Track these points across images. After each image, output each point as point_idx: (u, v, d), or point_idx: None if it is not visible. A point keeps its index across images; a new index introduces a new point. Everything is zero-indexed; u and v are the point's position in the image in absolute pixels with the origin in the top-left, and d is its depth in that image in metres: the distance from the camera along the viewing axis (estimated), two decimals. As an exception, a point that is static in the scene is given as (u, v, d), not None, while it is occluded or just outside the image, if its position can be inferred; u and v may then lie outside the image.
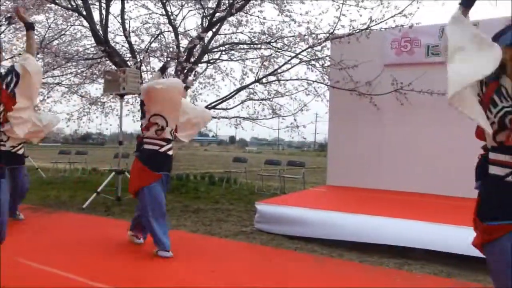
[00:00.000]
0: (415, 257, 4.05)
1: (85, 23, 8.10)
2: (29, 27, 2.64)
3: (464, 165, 6.30)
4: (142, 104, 4.02)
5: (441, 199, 6.14)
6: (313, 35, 7.34)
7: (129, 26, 8.17)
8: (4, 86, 2.36)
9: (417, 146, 6.77)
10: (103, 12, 7.80)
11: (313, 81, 7.97)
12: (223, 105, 8.43)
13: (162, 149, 3.91)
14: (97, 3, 7.85)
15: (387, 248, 4.16)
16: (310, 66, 7.76)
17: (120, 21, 7.98)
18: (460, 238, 3.94)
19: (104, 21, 7.76)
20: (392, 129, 7.02)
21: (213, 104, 8.30)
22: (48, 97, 9.78)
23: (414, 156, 6.76)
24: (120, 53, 8.26)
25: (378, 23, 6.83)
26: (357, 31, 6.88)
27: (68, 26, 8.89)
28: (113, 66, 7.54)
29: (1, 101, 2.33)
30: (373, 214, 4.55)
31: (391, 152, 6.98)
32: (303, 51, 7.56)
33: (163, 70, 4.53)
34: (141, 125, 4.03)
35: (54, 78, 9.75)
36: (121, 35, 8.34)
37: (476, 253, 3.84)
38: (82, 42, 9.37)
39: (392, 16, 6.69)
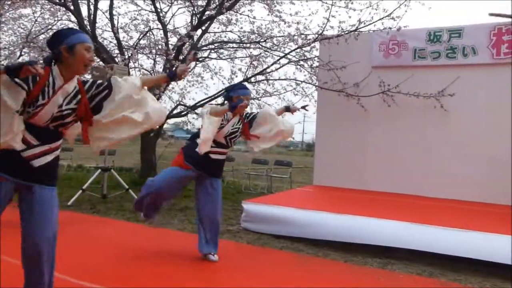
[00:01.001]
0: (398, 257, 4.11)
1: (73, 18, 8.00)
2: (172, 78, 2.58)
3: (449, 167, 6.48)
4: None
5: (426, 200, 6.24)
6: (302, 36, 7.38)
7: (118, 22, 8.11)
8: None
9: (403, 147, 6.87)
10: (91, 7, 7.72)
11: (302, 81, 8.02)
12: (212, 103, 8.42)
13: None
14: (85, -2, 7.77)
15: (372, 248, 4.22)
16: (298, 67, 7.79)
17: (108, 16, 7.91)
18: (442, 238, 4.04)
19: (92, 16, 7.68)
20: (379, 130, 7.10)
21: (201, 103, 8.29)
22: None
23: (400, 158, 6.86)
24: (108, 49, 8.18)
25: (367, 25, 6.91)
26: (346, 32, 6.93)
27: (55, 20, 8.77)
28: (101, 62, 7.46)
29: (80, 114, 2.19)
30: (358, 214, 4.60)
31: (377, 153, 7.07)
32: (292, 51, 7.59)
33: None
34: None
35: (40, 73, 9.59)
36: (109, 31, 8.27)
37: (457, 252, 3.95)
38: (70, 37, 9.23)
39: (380, 19, 6.77)
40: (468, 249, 3.88)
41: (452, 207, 5.83)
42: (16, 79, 1.94)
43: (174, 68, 2.38)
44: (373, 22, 6.83)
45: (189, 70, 2.17)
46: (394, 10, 6.66)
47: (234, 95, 3.65)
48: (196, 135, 3.68)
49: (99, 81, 2.29)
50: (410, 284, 3.49)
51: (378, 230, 4.27)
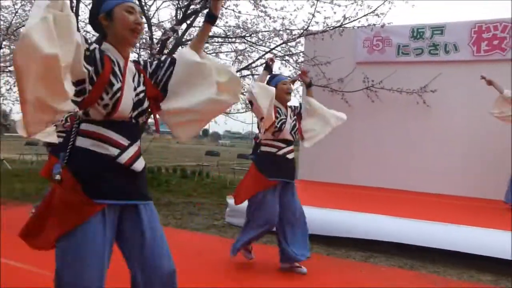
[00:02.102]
0: (380, 250, 4.19)
1: (55, 10, 7.85)
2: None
3: (431, 161, 6.60)
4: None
5: (409, 194, 6.35)
6: (288, 31, 7.40)
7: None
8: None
9: (386, 142, 6.97)
10: (74, 0, 7.59)
11: (287, 77, 8.02)
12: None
13: (280, 152, 3.35)
14: (68, -10, 7.63)
15: (355, 242, 4.29)
16: (284, 62, 7.82)
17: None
18: (424, 231, 4.12)
19: (74, 9, 7.55)
20: (363, 125, 7.18)
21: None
22: (15, 86, 9.45)
23: (384, 153, 6.96)
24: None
25: (351, 21, 6.96)
26: (331, 28, 6.98)
27: (37, 12, 8.59)
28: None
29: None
30: (342, 208, 4.66)
31: (361, 148, 7.16)
32: (277, 46, 7.60)
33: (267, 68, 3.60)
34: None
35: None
36: (92, 24, 8.14)
37: (437, 245, 4.04)
38: (51, 29, 9.08)
39: (365, 15, 6.84)
40: (448, 242, 3.97)
41: (434, 201, 5.95)
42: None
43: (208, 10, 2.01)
44: (358, 18, 6.90)
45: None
46: (378, 7, 6.76)
47: (278, 82, 3.40)
48: (257, 149, 3.41)
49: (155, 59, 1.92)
50: (392, 276, 3.57)
51: (361, 224, 4.34)
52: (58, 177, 1.59)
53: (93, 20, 1.73)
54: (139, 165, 1.72)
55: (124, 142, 1.67)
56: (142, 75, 1.78)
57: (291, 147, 3.38)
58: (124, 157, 1.66)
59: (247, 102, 8.63)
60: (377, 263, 3.90)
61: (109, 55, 1.66)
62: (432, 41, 6.76)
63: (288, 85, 3.43)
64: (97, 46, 1.63)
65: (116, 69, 1.66)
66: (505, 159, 5.63)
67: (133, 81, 1.72)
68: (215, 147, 27.74)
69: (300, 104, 3.70)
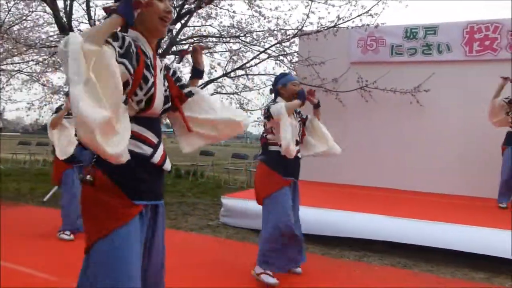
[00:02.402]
0: (374, 249, 4.21)
1: (48, 9, 7.81)
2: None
3: (424, 161, 6.64)
4: None
5: (402, 193, 6.39)
6: (282, 31, 7.41)
7: (95, 14, 7.95)
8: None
9: (380, 141, 7.00)
10: (68, -1, 7.55)
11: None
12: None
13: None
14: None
15: (349, 241, 4.31)
16: (278, 62, 7.83)
17: (85, 8, 7.75)
18: (417, 230, 4.15)
19: (68, 8, 7.51)
20: (356, 125, 7.21)
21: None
22: (7, 85, 9.39)
23: (377, 152, 6.98)
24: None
25: (345, 22, 6.98)
26: (325, 28, 7.00)
27: (30, 11, 8.54)
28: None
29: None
30: (336, 208, 4.68)
31: (355, 148, 7.16)
32: (271, 46, 7.62)
33: None
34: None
35: (14, 65, 9.37)
36: (86, 23, 8.10)
37: (430, 244, 4.06)
38: (45, 28, 9.02)
39: (359, 15, 6.86)
40: (441, 240, 4.00)
41: (427, 200, 5.98)
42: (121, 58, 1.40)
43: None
44: (352, 19, 6.92)
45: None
46: (372, 7, 6.78)
47: (281, 86, 3.35)
48: (266, 149, 3.33)
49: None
50: (385, 275, 3.59)
51: (355, 223, 4.36)
52: (89, 177, 1.50)
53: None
54: (168, 165, 1.68)
55: (155, 140, 1.60)
56: (164, 72, 1.72)
57: (297, 147, 3.33)
58: (157, 157, 1.59)
59: (240, 102, 8.65)
60: (370, 262, 3.92)
61: (141, 46, 1.56)
62: (425, 41, 6.79)
63: (298, 87, 3.35)
64: (128, 36, 1.50)
65: (148, 62, 1.56)
66: (498, 158, 5.67)
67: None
68: (210, 147, 27.65)
69: (307, 117, 3.63)
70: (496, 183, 5.50)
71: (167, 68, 1.77)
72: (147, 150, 1.57)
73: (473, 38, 6.52)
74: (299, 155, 3.35)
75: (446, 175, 6.46)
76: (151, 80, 1.54)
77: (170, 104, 1.68)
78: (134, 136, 1.52)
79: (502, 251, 3.74)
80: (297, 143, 3.35)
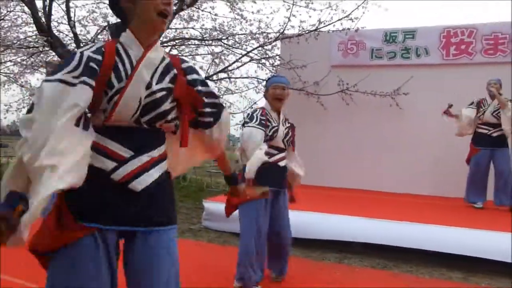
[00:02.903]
0: (354, 251, 4.27)
1: (27, 9, 7.66)
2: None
3: (403, 162, 6.76)
4: None
5: (382, 195, 6.49)
6: (264, 34, 7.45)
7: (75, 15, 7.84)
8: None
9: (360, 144, 7.10)
10: (47, -1, 7.42)
11: (263, 80, 8.08)
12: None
13: (272, 159, 3.13)
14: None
15: (329, 243, 4.36)
16: (260, 65, 7.86)
17: (64, 9, 7.63)
18: (396, 231, 4.22)
19: (47, 8, 7.38)
20: (337, 127, 7.29)
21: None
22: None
23: (358, 154, 7.08)
24: (65, 42, 7.90)
25: (326, 25, 7.08)
26: (306, 32, 7.07)
27: (7, 11, 8.35)
28: (56, 57, 7.21)
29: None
30: (316, 210, 4.72)
31: (336, 150, 7.25)
32: (254, 49, 7.65)
33: None
34: None
35: (-10, 66, 9.16)
36: (65, 24, 7.98)
37: (409, 244, 4.13)
38: (23, 29, 8.85)
39: (339, 19, 6.96)
40: (420, 241, 4.08)
41: (406, 201, 6.10)
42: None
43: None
44: (333, 23, 7.02)
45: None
46: (352, 11, 6.88)
47: (265, 90, 3.24)
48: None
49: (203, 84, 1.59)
50: (366, 276, 3.65)
51: (335, 225, 4.41)
52: None
53: (114, 3, 1.49)
54: (142, 182, 1.41)
55: (125, 153, 1.39)
56: (173, 71, 1.50)
57: (283, 154, 3.19)
58: (120, 173, 1.38)
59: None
60: (351, 264, 3.98)
61: (123, 47, 1.43)
62: (404, 45, 6.93)
63: (279, 91, 3.14)
64: (88, 49, 1.40)
65: (123, 65, 1.40)
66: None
67: (153, 75, 1.43)
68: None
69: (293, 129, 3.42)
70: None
71: (184, 70, 1.54)
72: (108, 164, 1.38)
73: (450, 42, 6.69)
74: (282, 163, 3.20)
75: (424, 177, 6.60)
76: (119, 86, 1.37)
77: (164, 109, 1.44)
78: (96, 147, 1.37)
79: (478, 250, 3.84)
80: (282, 150, 3.20)
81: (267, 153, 3.06)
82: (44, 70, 7.07)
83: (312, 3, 7.07)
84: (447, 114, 5.87)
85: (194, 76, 1.56)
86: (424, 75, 6.76)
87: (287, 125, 3.29)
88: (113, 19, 7.92)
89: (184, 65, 1.55)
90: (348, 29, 6.96)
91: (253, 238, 3.02)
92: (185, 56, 8.67)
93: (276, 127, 3.13)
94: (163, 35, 7.79)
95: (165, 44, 8.34)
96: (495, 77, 5.55)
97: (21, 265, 3.41)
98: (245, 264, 3.02)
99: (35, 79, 13.44)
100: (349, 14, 6.91)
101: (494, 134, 5.48)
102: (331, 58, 7.36)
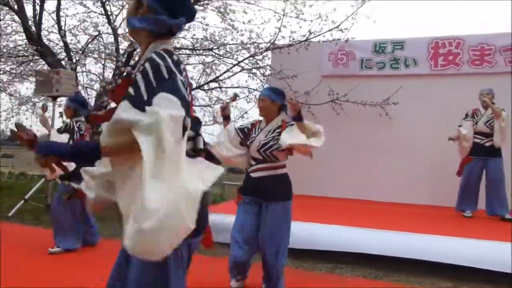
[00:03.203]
0: (346, 261, 4.26)
1: (17, 18, 7.62)
2: None
3: (393, 171, 6.80)
4: None
5: (373, 204, 6.51)
6: (255, 44, 7.50)
7: (65, 24, 7.81)
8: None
9: (351, 153, 7.13)
10: (37, 7, 7.39)
11: (254, 89, 8.12)
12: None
13: (249, 169, 3.26)
14: (31, -2, 7.42)
15: (321, 254, 4.35)
16: (251, 75, 7.89)
17: (55, 18, 7.61)
18: (386, 241, 4.24)
19: (37, 17, 7.36)
20: (328, 137, 7.16)
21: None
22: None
23: (349, 164, 7.11)
24: (55, 51, 7.86)
25: (317, 36, 7.13)
26: (297, 42, 7.13)
27: (-4, 20, 8.30)
28: (46, 66, 7.16)
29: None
30: (307, 221, 4.72)
31: (327, 160, 7.25)
32: (244, 59, 7.68)
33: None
34: None
35: (-21, 74, 9.05)
36: (56, 33, 7.95)
37: (398, 254, 4.15)
38: (13, 37, 8.78)
39: (329, 30, 7.03)
40: (410, 251, 4.10)
41: (397, 210, 6.13)
42: None
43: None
44: (323, 33, 7.08)
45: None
46: (342, 22, 6.96)
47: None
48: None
49: None
50: (357, 286, 3.65)
51: (327, 235, 4.41)
52: None
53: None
54: None
55: None
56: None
57: (259, 166, 3.17)
58: None
59: (214, 114, 8.64)
60: (342, 273, 3.98)
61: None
62: (393, 55, 7.03)
63: (259, 103, 3.28)
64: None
65: None
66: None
67: None
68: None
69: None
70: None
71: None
72: None
73: (438, 53, 6.80)
74: (255, 174, 3.18)
75: (414, 186, 6.65)
76: None
77: None
78: None
79: (468, 260, 3.87)
80: (258, 160, 3.17)
81: (249, 163, 3.23)
82: (34, 79, 7.00)
83: (303, 14, 7.16)
84: (453, 140, 5.88)
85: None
86: (413, 85, 6.85)
87: (273, 134, 3.16)
88: (104, 28, 7.92)
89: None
90: (338, 39, 7.03)
91: (234, 229, 3.26)
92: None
93: (253, 138, 3.18)
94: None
95: (156, 54, 8.33)
96: (483, 87, 5.63)
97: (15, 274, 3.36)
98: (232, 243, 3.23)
99: (25, 88, 13.32)
100: (339, 25, 6.99)
101: (487, 144, 5.52)
102: (322, 68, 7.43)
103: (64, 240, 4.15)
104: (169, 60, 1.46)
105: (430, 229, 4.58)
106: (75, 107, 4.32)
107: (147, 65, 1.45)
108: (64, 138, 4.08)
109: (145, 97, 1.38)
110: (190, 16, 1.64)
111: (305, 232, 4.46)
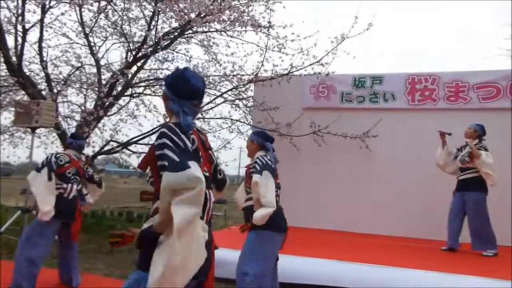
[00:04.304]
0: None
1: (-3, 49, 7.56)
2: None
3: (375, 203, 6.85)
4: None
5: (356, 236, 6.51)
6: (238, 76, 7.62)
7: (47, 55, 7.79)
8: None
9: (333, 185, 7.18)
10: (19, 39, 7.37)
11: (237, 120, 8.19)
12: (146, 140, 8.26)
13: None
14: (13, 29, 7.40)
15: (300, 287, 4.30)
16: (234, 106, 7.98)
17: (37, 49, 7.58)
18: (364, 274, 4.22)
19: (19, 49, 7.31)
20: (310, 168, 7.39)
21: (135, 139, 8.10)
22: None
23: (330, 195, 7.14)
24: (36, 81, 7.79)
25: (298, 70, 7.28)
26: (279, 75, 7.27)
27: (-24, 50, 8.21)
28: (26, 97, 7.08)
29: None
30: (291, 253, 4.66)
31: (309, 191, 7.31)
32: (228, 91, 7.78)
33: None
34: None
35: (-45, 104, 8.85)
36: (37, 64, 7.90)
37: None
38: (-7, 68, 8.69)
39: (311, 64, 7.19)
40: (389, 283, 4.08)
41: (377, 242, 6.13)
42: None
43: None
44: (304, 67, 7.24)
45: None
46: (323, 57, 7.14)
47: None
48: None
49: None
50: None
51: (311, 269, 4.37)
52: None
53: None
54: None
55: None
56: None
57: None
58: None
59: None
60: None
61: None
62: (372, 89, 7.23)
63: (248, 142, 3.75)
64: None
65: None
66: (441, 201, 5.97)
67: None
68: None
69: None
70: (440, 224, 5.74)
71: None
72: None
73: (415, 88, 7.03)
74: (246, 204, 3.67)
75: (392, 218, 6.69)
76: None
77: None
78: None
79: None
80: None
81: None
82: (13, 109, 6.89)
83: (285, 48, 7.32)
84: (441, 135, 5.74)
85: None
86: (392, 118, 7.02)
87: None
88: (87, 60, 7.92)
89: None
90: (319, 73, 7.20)
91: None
92: (159, 95, 8.69)
93: None
94: (136, 75, 7.85)
95: (139, 85, 8.36)
96: (459, 122, 5.73)
97: None
98: None
99: (3, 118, 13.05)
100: (319, 60, 7.17)
101: (461, 178, 5.56)
102: (303, 100, 7.57)
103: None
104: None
105: (409, 262, 4.59)
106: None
107: None
108: (44, 173, 4.01)
109: None
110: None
111: (289, 265, 4.42)
